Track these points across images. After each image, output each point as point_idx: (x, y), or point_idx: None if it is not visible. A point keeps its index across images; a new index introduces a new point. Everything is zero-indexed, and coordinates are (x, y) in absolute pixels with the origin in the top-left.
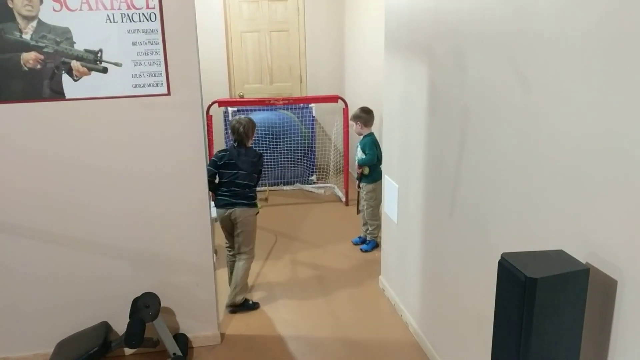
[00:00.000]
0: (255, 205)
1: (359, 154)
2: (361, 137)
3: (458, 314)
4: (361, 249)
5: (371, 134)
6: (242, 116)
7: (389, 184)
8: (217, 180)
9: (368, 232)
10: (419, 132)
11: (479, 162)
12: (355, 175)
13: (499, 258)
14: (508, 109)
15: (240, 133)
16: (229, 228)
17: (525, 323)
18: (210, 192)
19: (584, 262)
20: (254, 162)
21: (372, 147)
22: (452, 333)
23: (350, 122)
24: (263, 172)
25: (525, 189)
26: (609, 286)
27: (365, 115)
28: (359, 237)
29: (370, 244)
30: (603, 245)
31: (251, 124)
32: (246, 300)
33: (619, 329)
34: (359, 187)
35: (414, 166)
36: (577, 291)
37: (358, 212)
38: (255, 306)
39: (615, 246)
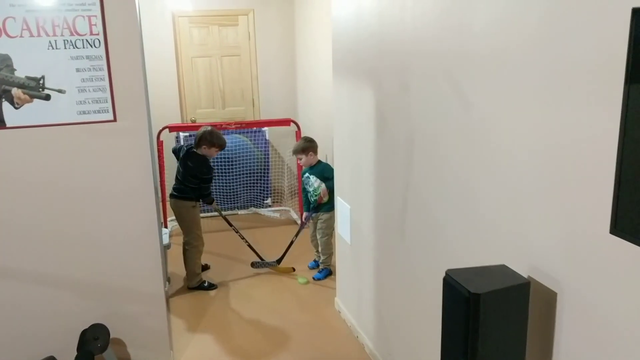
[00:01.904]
0: (188, 199)
1: (315, 183)
2: (309, 166)
3: (412, 332)
4: (314, 278)
5: (320, 161)
6: (215, 130)
7: (342, 206)
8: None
9: (321, 260)
10: (368, 154)
11: (425, 181)
12: (312, 206)
13: None
14: (451, 128)
15: (195, 137)
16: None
17: (471, 337)
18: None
19: (525, 276)
20: (190, 167)
21: (332, 171)
22: (407, 352)
23: (299, 157)
24: (213, 188)
25: (470, 207)
26: (550, 298)
27: (313, 144)
28: (315, 261)
29: (324, 272)
30: (543, 259)
31: (210, 136)
32: (201, 283)
33: (561, 338)
34: (308, 218)
35: (365, 187)
36: (520, 304)
37: (279, 261)
38: (211, 287)
39: (554, 260)
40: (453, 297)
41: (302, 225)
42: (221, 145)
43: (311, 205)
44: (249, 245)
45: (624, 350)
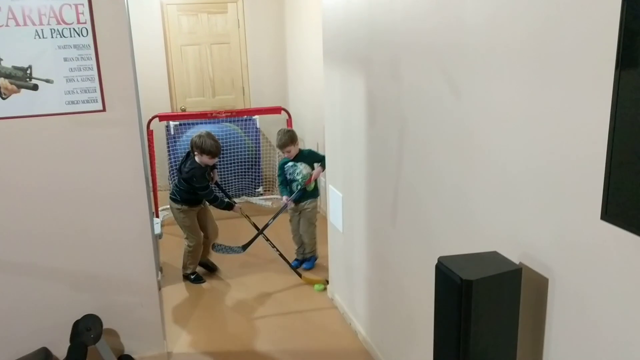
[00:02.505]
0: (175, 201)
1: (305, 170)
2: (292, 156)
3: (404, 319)
4: (304, 268)
5: (300, 149)
6: (209, 135)
7: (334, 194)
8: None
9: (307, 251)
10: (359, 141)
11: (417, 170)
12: (299, 190)
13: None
14: (442, 117)
15: (191, 142)
16: None
17: (463, 324)
18: None
19: (517, 262)
20: (184, 171)
21: (317, 153)
22: (399, 338)
23: (288, 149)
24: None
25: (461, 194)
26: (541, 284)
27: (295, 132)
28: (297, 260)
29: (312, 260)
30: (534, 245)
31: (198, 140)
32: (188, 275)
33: (553, 324)
34: (290, 201)
35: (357, 175)
36: (511, 290)
37: (245, 247)
38: (197, 281)
39: (545, 246)
40: (445, 284)
41: (284, 207)
42: (211, 152)
43: (298, 189)
44: (280, 255)
45: (615, 336)
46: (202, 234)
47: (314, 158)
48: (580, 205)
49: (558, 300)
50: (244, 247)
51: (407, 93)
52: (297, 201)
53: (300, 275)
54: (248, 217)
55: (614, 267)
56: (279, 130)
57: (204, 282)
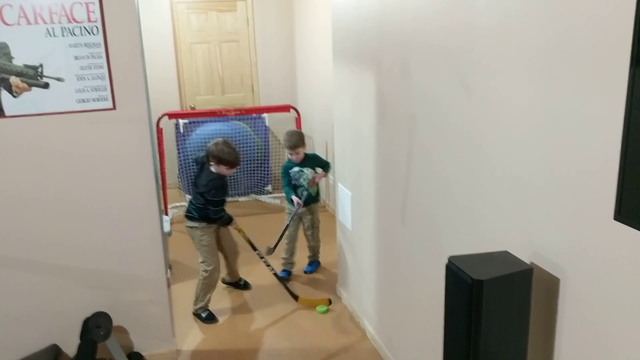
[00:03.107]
0: (189, 218)
1: (310, 174)
2: (298, 160)
3: (413, 318)
4: (305, 271)
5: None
6: (226, 143)
7: (342, 192)
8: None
9: (310, 254)
10: (369, 140)
11: (427, 168)
12: (307, 194)
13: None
14: (453, 116)
15: (207, 151)
16: None
17: (474, 324)
18: None
19: (528, 262)
20: (201, 185)
21: (321, 158)
22: (408, 337)
23: (298, 151)
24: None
25: (472, 193)
26: (553, 284)
27: (303, 135)
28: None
29: (314, 264)
30: (545, 245)
31: (215, 148)
32: (199, 313)
33: (564, 324)
34: (301, 204)
35: (366, 174)
36: (522, 291)
37: (271, 250)
38: (210, 320)
39: (556, 245)
40: (456, 284)
41: (298, 208)
42: (229, 162)
43: (306, 194)
44: (275, 274)
45: (627, 337)
46: (219, 257)
47: (317, 162)
48: (592, 205)
49: (569, 300)
50: (272, 249)
51: (417, 93)
52: (304, 204)
53: (296, 298)
54: (242, 232)
55: (626, 267)
56: (288, 131)
57: (217, 321)
